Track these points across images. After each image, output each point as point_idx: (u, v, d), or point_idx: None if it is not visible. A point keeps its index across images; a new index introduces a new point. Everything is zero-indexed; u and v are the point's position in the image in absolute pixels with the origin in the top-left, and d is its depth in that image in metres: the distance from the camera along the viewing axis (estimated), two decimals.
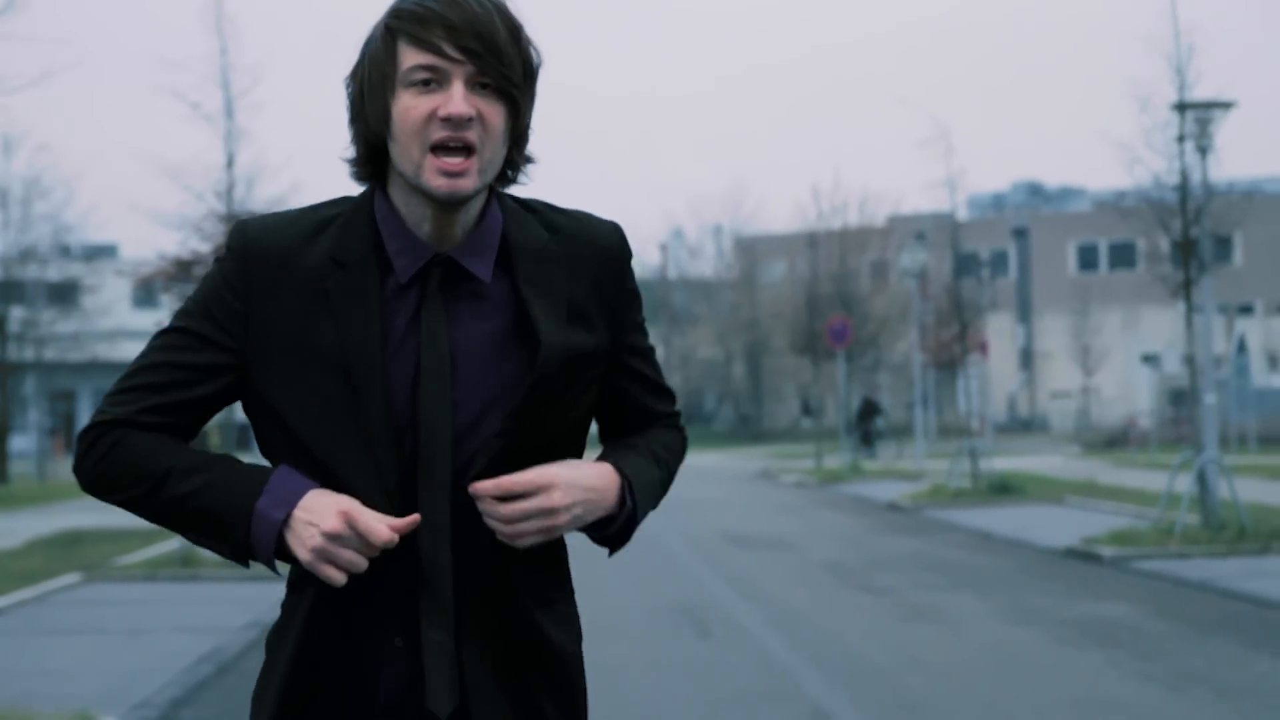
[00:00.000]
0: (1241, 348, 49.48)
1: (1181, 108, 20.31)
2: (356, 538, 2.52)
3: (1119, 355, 74.35)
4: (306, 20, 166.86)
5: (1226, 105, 20.79)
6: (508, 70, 2.55)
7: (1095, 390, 72.40)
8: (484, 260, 2.64)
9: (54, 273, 46.95)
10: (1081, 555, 18.27)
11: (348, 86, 2.65)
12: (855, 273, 65.29)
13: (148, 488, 2.62)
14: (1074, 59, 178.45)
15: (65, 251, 49.67)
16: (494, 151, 2.58)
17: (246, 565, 2.67)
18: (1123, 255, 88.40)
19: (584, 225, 2.74)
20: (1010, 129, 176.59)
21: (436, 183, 2.54)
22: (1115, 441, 52.84)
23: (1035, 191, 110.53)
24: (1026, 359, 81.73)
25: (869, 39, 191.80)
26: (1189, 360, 20.40)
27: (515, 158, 2.65)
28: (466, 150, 2.54)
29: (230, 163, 18.77)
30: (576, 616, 2.78)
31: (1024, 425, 77.42)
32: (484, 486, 2.55)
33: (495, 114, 2.56)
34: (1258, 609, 13.66)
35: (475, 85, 2.55)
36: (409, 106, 2.54)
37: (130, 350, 61.87)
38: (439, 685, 2.60)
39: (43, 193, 46.13)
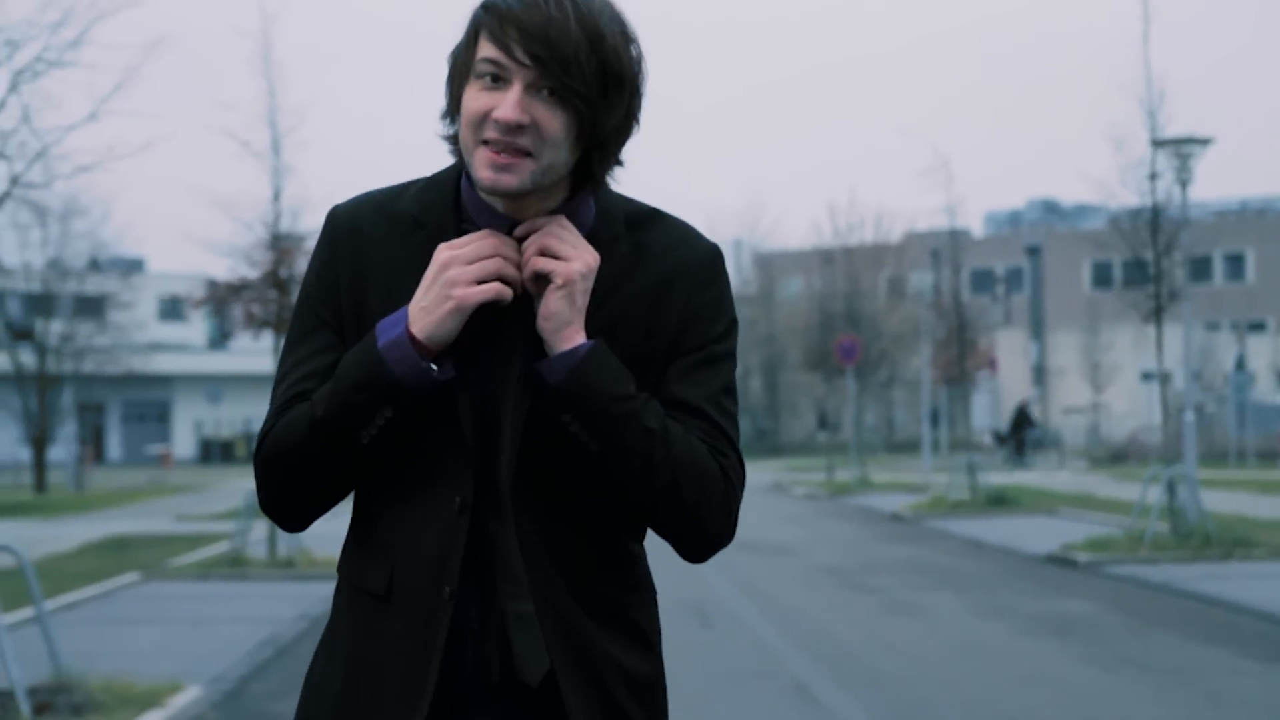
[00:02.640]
0: (1240, 365, 50.83)
1: (1157, 144, 21.78)
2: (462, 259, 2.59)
3: (1130, 372, 75.54)
4: (347, 67, 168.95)
5: (1204, 141, 22.31)
6: (572, 80, 2.52)
7: (1106, 406, 73.63)
8: None
9: (85, 286, 48.05)
10: (1060, 560, 19.76)
11: (448, 65, 2.66)
12: (870, 290, 66.60)
13: (302, 433, 2.65)
14: (1088, 74, 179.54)
15: (95, 265, 50.86)
16: (554, 158, 2.57)
17: (410, 405, 2.61)
18: (1136, 273, 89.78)
19: (676, 231, 2.74)
20: (1029, 146, 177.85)
21: (482, 174, 2.57)
22: (1120, 456, 54.19)
23: (1051, 209, 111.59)
24: (1039, 375, 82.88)
25: (885, 54, 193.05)
26: (1162, 379, 21.90)
27: (596, 163, 2.63)
28: (521, 152, 2.56)
29: (277, 196, 20.26)
30: (651, 605, 2.83)
31: (1037, 441, 78.61)
32: (526, 228, 2.63)
33: (554, 121, 2.54)
34: (1206, 607, 15.16)
35: (538, 89, 2.54)
36: (472, 99, 2.57)
37: (160, 363, 62.94)
38: (529, 655, 2.63)
39: (81, 210, 47.43)
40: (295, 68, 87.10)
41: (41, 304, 46.54)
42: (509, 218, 2.64)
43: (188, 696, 10.39)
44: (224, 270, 21.27)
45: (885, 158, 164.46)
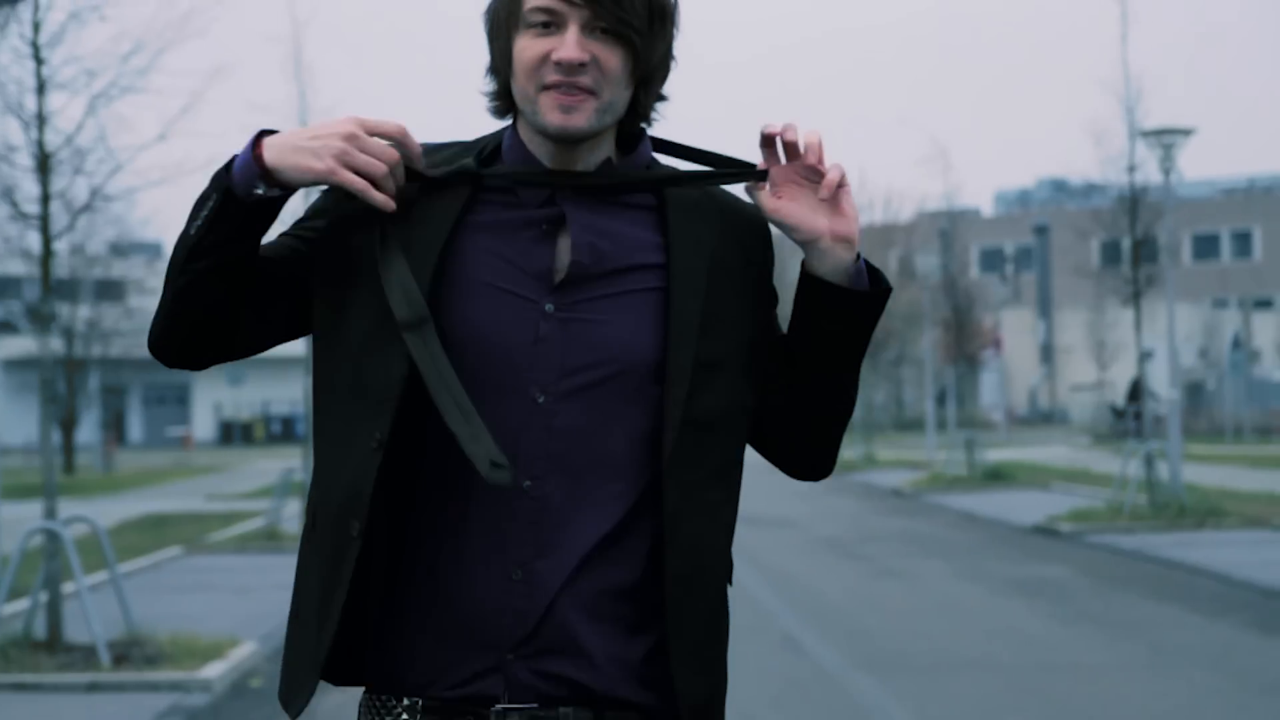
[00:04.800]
0: (1237, 343, 52.06)
1: (1143, 134, 23.02)
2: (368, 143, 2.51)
3: (1134, 350, 76.68)
4: (374, 70, 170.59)
5: (1186, 131, 23.53)
6: (625, 14, 2.52)
7: (1112, 384, 74.85)
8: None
9: (103, 271, 49.17)
10: (1044, 531, 21.04)
11: (486, 23, 2.65)
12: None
13: (178, 256, 2.58)
14: (1100, 58, 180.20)
15: (116, 250, 52.04)
16: (614, 95, 2.56)
17: (235, 210, 2.53)
18: (1145, 251, 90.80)
19: (729, 195, 2.74)
20: (1040, 123, 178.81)
21: (550, 117, 2.54)
22: (1123, 432, 55.42)
23: (1060, 188, 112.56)
24: (1047, 353, 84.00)
25: (897, 22, 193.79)
26: (1140, 360, 23.21)
27: (642, 99, 2.62)
28: (585, 92, 2.53)
29: (308, 195, 21.57)
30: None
31: (1045, 418, 79.80)
32: (774, 128, 2.61)
33: (613, 58, 2.53)
34: (1168, 570, 16.45)
35: (592, 30, 2.53)
36: (525, 47, 2.54)
37: None
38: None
39: (107, 199, 48.59)
40: (325, 72, 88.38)
41: (64, 289, 47.73)
42: (553, 174, 2.60)
43: (244, 650, 11.70)
44: None
45: (892, 135, 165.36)
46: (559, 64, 2.52)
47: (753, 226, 2.70)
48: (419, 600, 2.57)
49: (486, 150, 2.65)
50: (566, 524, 2.54)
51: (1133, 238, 21.96)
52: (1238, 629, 12.54)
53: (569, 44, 2.51)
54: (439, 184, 2.61)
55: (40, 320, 11.56)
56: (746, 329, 2.66)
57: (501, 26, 2.59)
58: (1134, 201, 22.11)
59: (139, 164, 39.14)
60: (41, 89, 11.39)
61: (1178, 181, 23.12)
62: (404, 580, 2.58)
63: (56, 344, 46.68)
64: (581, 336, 2.56)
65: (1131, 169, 21.98)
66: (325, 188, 2.63)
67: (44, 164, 11.34)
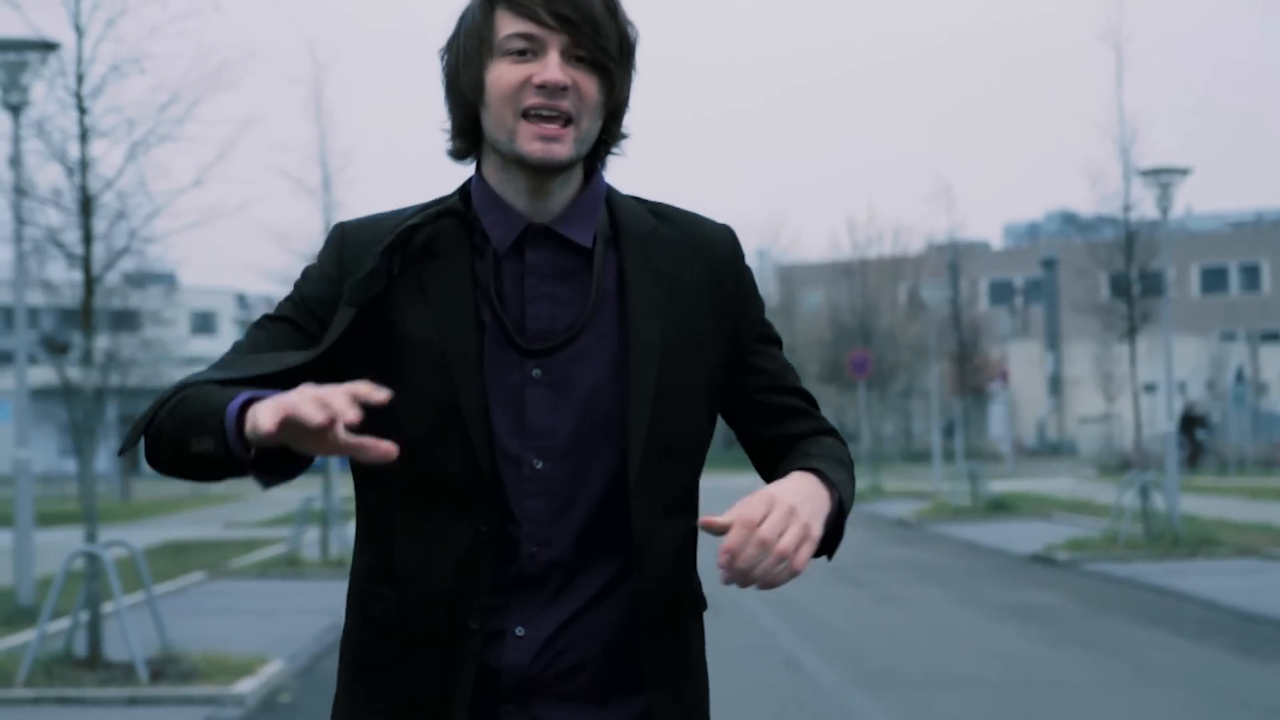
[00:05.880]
0: (1240, 377, 52.71)
1: (1142, 174, 23.68)
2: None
3: (1143, 382, 77.20)
4: (390, 113, 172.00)
5: (1184, 171, 24.20)
6: (604, 42, 2.53)
7: (1118, 416, 75.37)
8: (583, 229, 2.61)
9: (121, 301, 49.75)
10: (1042, 559, 21.67)
11: (442, 58, 2.63)
12: (888, 302, 68.38)
13: (172, 410, 2.49)
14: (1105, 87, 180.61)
15: (131, 281, 52.63)
16: (590, 123, 2.56)
17: (236, 468, 2.45)
18: (1152, 284, 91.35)
19: (692, 218, 2.71)
20: (1050, 157, 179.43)
21: (531, 147, 2.51)
22: (1127, 464, 56.01)
23: (1069, 220, 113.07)
24: (1055, 385, 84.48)
25: (906, 59, 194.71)
26: (1135, 395, 23.87)
27: (611, 133, 2.62)
28: (564, 119, 2.52)
29: (327, 229, 22.28)
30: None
31: (1053, 449, 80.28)
32: (713, 522, 2.42)
33: (590, 86, 2.54)
34: (1158, 597, 17.08)
35: (571, 57, 2.53)
36: (502, 73, 2.52)
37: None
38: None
39: (111, 226, 49.25)
40: (344, 114, 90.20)
41: (76, 319, 48.20)
42: (524, 217, 2.60)
43: (273, 668, 12.36)
44: (255, 286, 23.24)
45: (902, 169, 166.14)
46: (542, 87, 2.51)
47: (720, 247, 2.70)
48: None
49: (435, 212, 2.62)
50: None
51: (1128, 274, 22.61)
52: (1217, 651, 13.16)
53: (551, 67, 2.51)
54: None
55: (80, 353, 12.21)
56: (714, 352, 2.66)
57: (473, 56, 2.57)
58: (1129, 240, 22.77)
59: (176, 207, 40.37)
60: (84, 137, 12.09)
61: (1186, 215, 23.90)
62: None
63: (94, 376, 47.19)
64: (564, 404, 2.58)
65: (1127, 209, 22.63)
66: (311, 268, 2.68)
67: (86, 207, 12.03)
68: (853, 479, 2.65)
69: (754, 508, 2.40)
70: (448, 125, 2.64)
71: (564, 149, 2.52)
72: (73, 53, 12.17)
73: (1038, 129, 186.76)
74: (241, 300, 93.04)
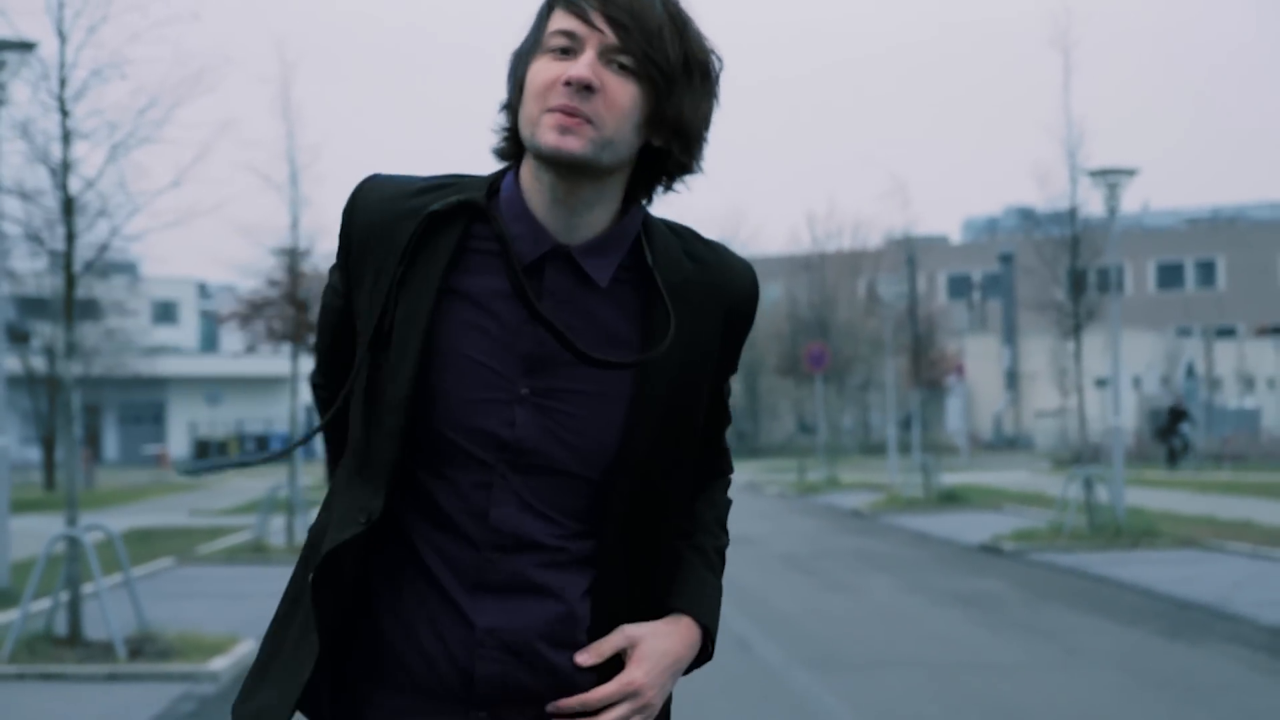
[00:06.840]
0: (1190, 372, 53.54)
1: (1091, 174, 24.36)
2: None
3: (1094, 377, 78.01)
4: (356, 109, 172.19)
5: (1130, 172, 24.87)
6: (654, 51, 2.43)
7: (1074, 410, 76.06)
8: (604, 265, 2.53)
9: (85, 291, 50.02)
10: (989, 549, 22.33)
11: (511, 61, 2.56)
12: (847, 296, 69.07)
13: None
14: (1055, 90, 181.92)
15: (92, 270, 52.73)
16: (618, 132, 2.45)
17: None
18: (1103, 281, 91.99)
19: (723, 259, 2.62)
20: (1006, 152, 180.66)
21: (546, 138, 2.43)
22: (1081, 458, 56.80)
23: (1026, 216, 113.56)
24: (1012, 380, 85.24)
25: (876, 56, 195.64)
26: (1079, 390, 24.55)
27: (670, 161, 2.53)
28: (584, 119, 2.43)
29: (295, 224, 22.76)
30: None
31: (1010, 443, 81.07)
32: (566, 704, 2.51)
33: (624, 92, 2.44)
34: (1097, 585, 17.73)
35: (612, 61, 2.44)
36: (539, 70, 2.46)
37: (155, 365, 63.58)
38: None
39: (90, 225, 49.56)
40: (312, 111, 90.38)
41: (38, 308, 48.41)
42: (550, 236, 2.52)
43: (245, 647, 12.91)
44: (216, 275, 23.81)
45: (864, 165, 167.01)
46: (567, 83, 2.43)
47: (738, 295, 2.64)
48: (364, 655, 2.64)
49: (458, 188, 2.58)
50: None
51: (1072, 273, 23.29)
52: (1148, 635, 13.81)
53: (580, 64, 2.42)
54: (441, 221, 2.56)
55: (62, 346, 12.74)
56: (703, 410, 2.65)
57: (524, 55, 2.52)
58: (1075, 240, 23.46)
59: (154, 207, 40.92)
60: (67, 139, 12.61)
61: (1143, 212, 24.60)
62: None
63: (76, 367, 47.61)
64: (551, 430, 2.53)
65: (1073, 209, 23.31)
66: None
67: (69, 207, 12.55)
68: (722, 565, 2.72)
69: (621, 685, 2.52)
70: (499, 123, 2.58)
71: (577, 143, 2.43)
72: (56, 57, 12.69)
73: (996, 126, 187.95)
74: (203, 289, 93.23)
